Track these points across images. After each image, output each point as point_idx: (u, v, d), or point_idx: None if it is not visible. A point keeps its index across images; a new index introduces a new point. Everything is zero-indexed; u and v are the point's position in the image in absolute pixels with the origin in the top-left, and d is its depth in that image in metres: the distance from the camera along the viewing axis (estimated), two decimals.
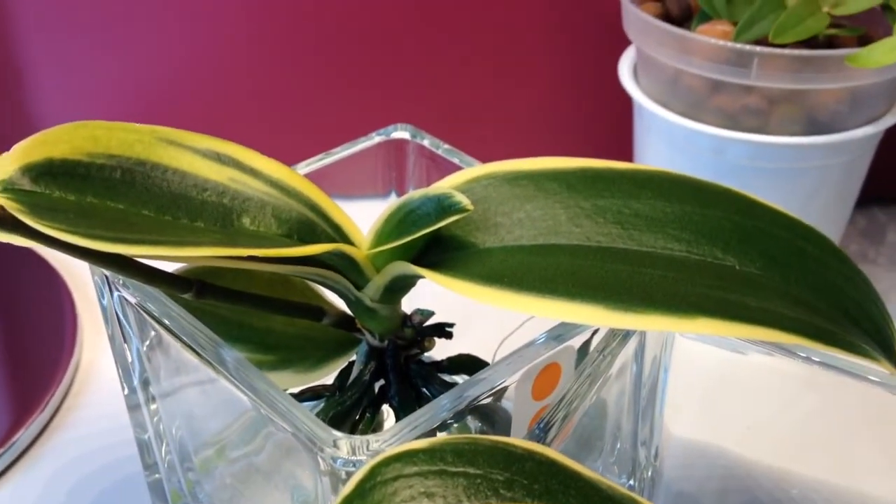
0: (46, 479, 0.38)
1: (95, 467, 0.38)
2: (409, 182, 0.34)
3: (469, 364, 0.31)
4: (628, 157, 0.45)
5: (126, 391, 0.31)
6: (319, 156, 0.31)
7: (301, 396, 0.29)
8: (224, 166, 0.25)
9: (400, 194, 0.34)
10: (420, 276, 0.25)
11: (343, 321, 0.29)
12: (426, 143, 0.33)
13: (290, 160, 0.32)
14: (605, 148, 0.51)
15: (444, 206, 0.25)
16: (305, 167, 0.31)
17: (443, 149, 0.33)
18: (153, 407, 0.31)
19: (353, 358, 0.29)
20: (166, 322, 0.26)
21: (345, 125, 0.49)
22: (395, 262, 0.26)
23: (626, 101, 0.44)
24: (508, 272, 0.24)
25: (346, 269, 0.26)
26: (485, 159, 0.34)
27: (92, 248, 0.20)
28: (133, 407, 0.31)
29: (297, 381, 0.29)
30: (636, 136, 0.44)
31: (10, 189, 0.21)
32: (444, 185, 0.27)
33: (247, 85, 0.49)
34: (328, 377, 0.30)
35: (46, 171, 0.22)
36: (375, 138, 0.32)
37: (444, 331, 0.30)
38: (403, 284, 0.27)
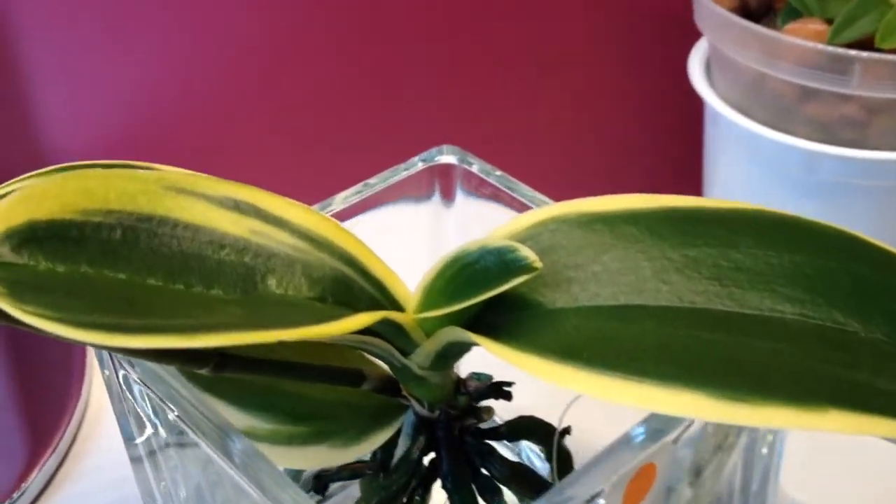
0: None
1: None
2: (453, 216, 0.30)
3: (532, 428, 0.27)
4: (697, 170, 0.41)
5: (129, 452, 0.28)
6: (356, 188, 0.28)
7: (339, 475, 0.25)
8: (243, 216, 0.22)
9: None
10: (474, 343, 0.22)
11: (386, 386, 0.26)
12: (475, 168, 0.29)
13: (317, 188, 0.29)
14: (670, 160, 0.47)
15: (506, 262, 0.22)
16: (342, 202, 0.27)
17: (494, 176, 0.29)
18: (161, 483, 0.28)
19: (399, 426, 0.26)
20: (170, 405, 0.23)
21: (376, 147, 0.46)
22: (447, 328, 0.22)
23: (695, 105, 0.40)
24: (586, 344, 0.21)
25: (390, 334, 0.22)
26: (536, 177, 0.30)
27: (84, 341, 0.17)
28: (139, 473, 0.28)
29: (335, 458, 0.25)
30: (708, 146, 0.40)
31: None
32: (505, 233, 0.24)
33: (266, 100, 0.45)
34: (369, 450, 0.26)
35: (30, 237, 0.19)
36: (419, 164, 0.29)
37: (502, 391, 0.26)
38: (458, 351, 0.23)
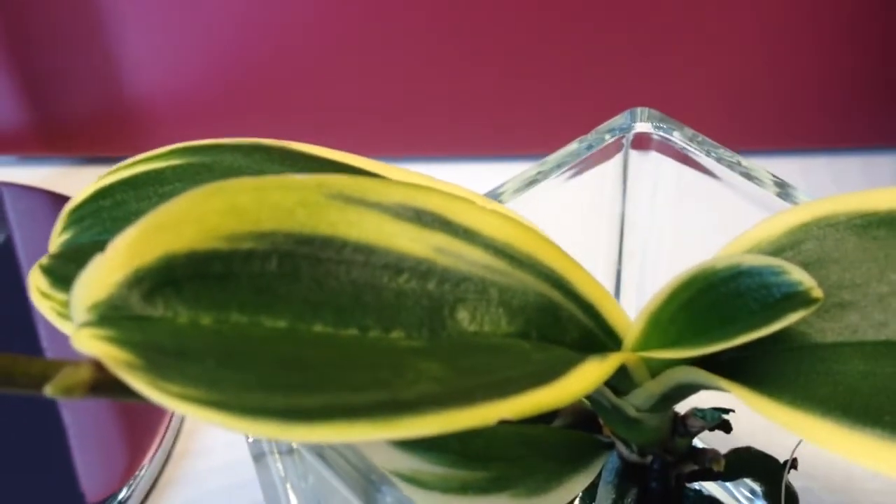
0: None
1: None
2: (647, 200, 0.25)
3: (752, 463, 0.23)
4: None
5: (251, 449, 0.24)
6: (528, 173, 0.23)
7: None
8: (426, 229, 0.17)
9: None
10: (722, 389, 0.18)
11: (582, 421, 0.21)
12: (676, 136, 0.24)
13: (467, 170, 0.24)
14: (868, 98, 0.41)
15: (770, 288, 0.17)
16: (513, 196, 0.23)
17: (702, 145, 0.24)
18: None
19: (598, 471, 0.22)
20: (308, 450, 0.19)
21: (529, 113, 0.41)
22: (680, 368, 0.18)
23: None
24: (885, 402, 0.16)
25: None
26: (726, 133, 0.25)
27: (253, 432, 0.13)
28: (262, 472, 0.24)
29: None
30: None
31: (112, 318, 0.14)
32: (755, 240, 0.19)
33: (385, 47, 0.41)
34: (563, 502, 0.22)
35: (166, 279, 0.15)
36: (607, 137, 0.24)
37: (722, 424, 0.22)
38: (687, 392, 0.19)
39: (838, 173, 0.44)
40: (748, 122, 0.42)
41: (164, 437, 0.35)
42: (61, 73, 0.43)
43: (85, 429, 0.35)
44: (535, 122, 0.42)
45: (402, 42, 0.41)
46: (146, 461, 0.34)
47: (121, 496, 0.33)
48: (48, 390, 0.13)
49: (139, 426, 0.35)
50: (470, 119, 0.42)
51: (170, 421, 0.35)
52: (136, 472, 0.33)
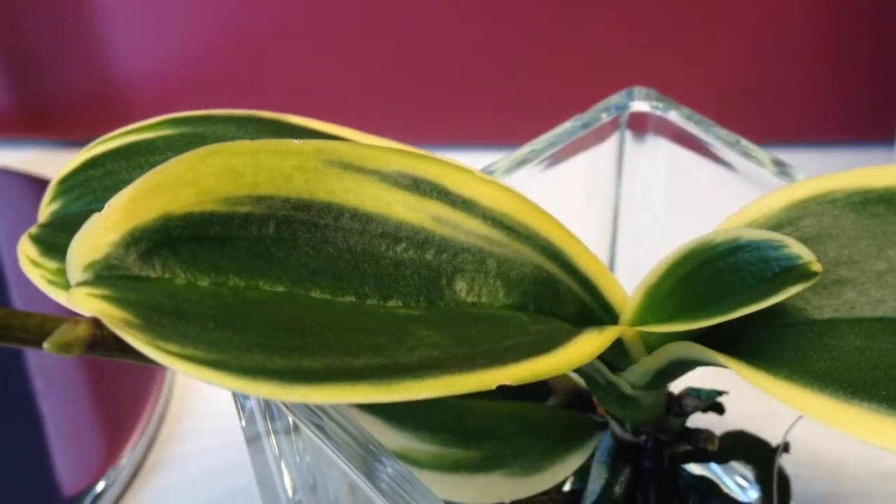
0: None
1: None
2: (644, 179, 0.25)
3: (745, 448, 0.23)
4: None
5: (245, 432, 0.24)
6: (520, 153, 0.23)
7: None
8: (424, 198, 0.17)
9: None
10: (718, 365, 0.18)
11: (575, 400, 0.22)
12: (673, 116, 0.24)
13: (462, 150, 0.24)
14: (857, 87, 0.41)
15: (769, 262, 0.17)
16: (504, 174, 0.23)
17: (700, 125, 0.24)
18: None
19: (591, 451, 0.22)
20: (304, 421, 0.19)
21: (518, 93, 0.41)
22: (677, 344, 0.18)
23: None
24: (882, 377, 0.17)
25: None
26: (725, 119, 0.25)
27: (251, 392, 0.13)
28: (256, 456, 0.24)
29: (513, 489, 0.22)
30: None
31: (109, 278, 0.14)
32: (752, 216, 0.19)
33: (378, 31, 0.41)
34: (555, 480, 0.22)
35: (163, 240, 0.15)
36: (603, 116, 0.24)
37: (715, 405, 0.22)
38: (684, 368, 0.19)
39: (826, 167, 0.44)
40: (735, 117, 0.43)
41: (146, 424, 0.35)
42: (44, 54, 0.43)
43: (63, 417, 0.35)
44: (532, 111, 0.42)
45: (394, 24, 0.41)
46: (126, 451, 0.34)
47: (99, 488, 0.33)
48: (46, 346, 0.13)
49: (121, 412, 0.35)
50: (465, 106, 0.42)
51: (153, 408, 0.35)
52: (116, 463, 0.33)
